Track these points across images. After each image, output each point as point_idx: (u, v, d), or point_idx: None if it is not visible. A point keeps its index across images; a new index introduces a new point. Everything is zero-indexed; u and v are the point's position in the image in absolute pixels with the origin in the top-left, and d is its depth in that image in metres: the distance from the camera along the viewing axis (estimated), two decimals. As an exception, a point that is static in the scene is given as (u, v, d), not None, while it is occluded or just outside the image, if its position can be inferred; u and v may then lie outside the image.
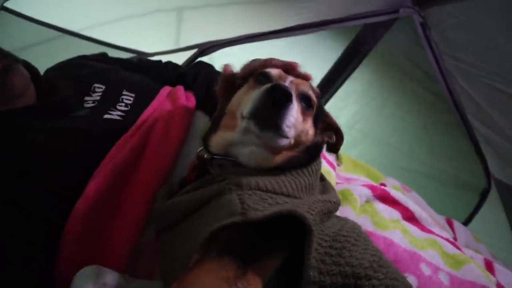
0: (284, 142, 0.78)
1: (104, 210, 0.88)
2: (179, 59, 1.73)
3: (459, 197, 2.37)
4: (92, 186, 0.88)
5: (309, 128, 0.85)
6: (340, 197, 1.04)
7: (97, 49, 1.65)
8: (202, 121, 1.14)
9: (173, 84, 1.30)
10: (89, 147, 0.95)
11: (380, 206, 1.24)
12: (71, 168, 0.90)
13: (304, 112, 0.82)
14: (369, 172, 1.68)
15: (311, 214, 0.64)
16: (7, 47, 1.63)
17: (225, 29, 1.76)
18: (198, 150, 0.88)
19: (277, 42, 1.83)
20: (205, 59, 1.74)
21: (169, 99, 1.15)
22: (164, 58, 1.57)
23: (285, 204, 0.69)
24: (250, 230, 0.63)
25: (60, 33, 1.71)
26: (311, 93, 0.84)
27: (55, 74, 1.20)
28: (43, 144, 0.91)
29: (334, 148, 0.94)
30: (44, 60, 1.37)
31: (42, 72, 1.31)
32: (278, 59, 0.91)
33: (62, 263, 0.83)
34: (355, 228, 0.74)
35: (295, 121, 0.77)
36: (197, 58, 1.73)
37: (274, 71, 0.86)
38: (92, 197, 0.87)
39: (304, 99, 0.83)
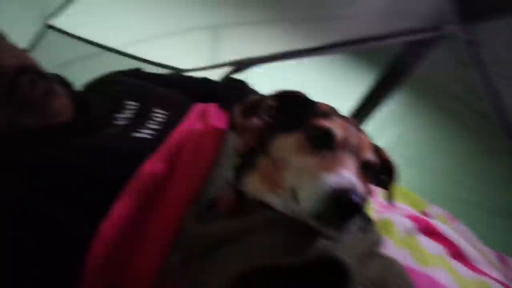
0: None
1: (129, 233, 0.84)
2: (214, 76, 1.72)
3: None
4: (119, 207, 0.85)
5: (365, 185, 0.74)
6: (380, 226, 0.96)
7: (134, 65, 1.67)
8: (233, 142, 1.09)
9: (205, 100, 1.27)
10: (117, 167, 0.92)
11: (423, 240, 1.14)
12: (98, 188, 0.87)
13: (365, 179, 0.72)
14: (411, 199, 1.58)
15: (351, 257, 0.57)
16: (50, 62, 1.68)
17: (260, 47, 1.74)
18: (231, 182, 0.82)
19: (311, 62, 1.78)
20: (240, 76, 1.72)
21: (201, 118, 1.12)
22: (200, 75, 1.56)
23: (324, 244, 0.61)
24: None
25: (100, 49, 1.76)
26: (374, 158, 0.74)
27: (89, 90, 1.21)
28: (72, 162, 0.89)
29: (386, 185, 0.84)
30: (83, 75, 1.40)
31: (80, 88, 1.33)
32: (325, 104, 0.80)
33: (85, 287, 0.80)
34: (401, 274, 0.66)
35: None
36: (232, 75, 1.71)
37: (339, 132, 0.70)
38: (118, 218, 0.83)
39: (367, 164, 0.72)
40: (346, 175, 0.62)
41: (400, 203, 1.50)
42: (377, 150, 0.80)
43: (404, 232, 1.11)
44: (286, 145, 0.73)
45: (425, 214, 1.48)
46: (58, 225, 0.82)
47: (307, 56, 1.65)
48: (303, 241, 0.62)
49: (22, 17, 1.51)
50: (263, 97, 0.82)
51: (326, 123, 0.70)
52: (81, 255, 0.80)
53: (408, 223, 1.15)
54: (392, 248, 1.04)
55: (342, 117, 0.77)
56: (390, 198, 0.83)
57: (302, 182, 0.66)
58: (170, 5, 1.74)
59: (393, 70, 2.01)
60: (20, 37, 1.63)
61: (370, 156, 0.72)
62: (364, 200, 0.61)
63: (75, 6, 1.52)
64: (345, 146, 0.69)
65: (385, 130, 2.26)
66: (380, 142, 2.40)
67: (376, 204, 1.25)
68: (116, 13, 1.65)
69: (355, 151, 0.70)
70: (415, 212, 1.39)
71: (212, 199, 0.89)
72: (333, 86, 2.00)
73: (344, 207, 0.59)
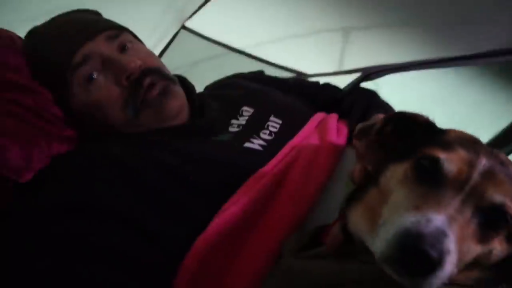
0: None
1: (224, 251, 0.80)
2: (341, 82, 1.61)
3: None
4: (217, 223, 0.81)
5: (494, 248, 0.56)
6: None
7: (258, 67, 1.67)
8: (352, 160, 0.97)
9: (327, 109, 1.18)
10: (221, 178, 0.89)
11: None
12: (199, 198, 0.85)
13: (484, 235, 0.54)
14: None
15: None
16: (181, 61, 1.80)
17: (394, 53, 1.56)
18: (341, 213, 0.71)
19: (454, 73, 1.53)
20: (369, 84, 1.57)
21: (318, 131, 1.03)
22: (324, 80, 1.47)
23: None
24: None
25: (227, 50, 1.80)
26: (509, 204, 0.53)
27: (208, 93, 1.22)
28: (176, 168, 0.88)
29: None
30: (210, 74, 1.44)
31: (203, 87, 1.36)
32: (458, 131, 0.64)
33: None
34: None
35: (452, 271, 0.50)
36: (360, 83, 1.57)
37: (450, 164, 0.55)
38: (215, 234, 0.79)
39: (496, 213, 0.54)
40: (434, 217, 0.49)
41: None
42: None
43: None
44: (394, 174, 0.62)
45: None
46: (151, 232, 0.80)
47: (449, 66, 1.41)
48: None
49: (162, 20, 1.63)
50: (381, 120, 0.70)
51: (438, 152, 0.56)
52: (172, 267, 0.78)
53: None
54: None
55: (485, 150, 0.59)
56: None
57: (388, 219, 0.55)
58: (298, 6, 1.69)
59: None
60: (160, 39, 1.78)
61: (499, 199, 0.53)
62: (447, 255, 0.47)
63: (206, 8, 1.58)
64: (458, 183, 0.54)
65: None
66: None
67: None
68: (243, 14, 1.67)
69: (474, 193, 0.53)
70: None
71: (318, 227, 0.80)
72: (480, 102, 1.70)
73: (410, 256, 0.47)
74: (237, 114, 1.09)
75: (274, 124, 1.06)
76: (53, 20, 1.07)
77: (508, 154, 1.82)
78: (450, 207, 0.52)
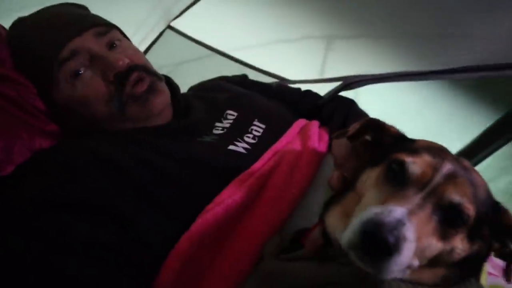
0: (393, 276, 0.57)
1: (206, 250, 0.81)
2: (322, 90, 1.64)
3: None
4: (200, 222, 0.82)
5: (456, 246, 0.61)
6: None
7: (241, 70, 1.69)
8: (332, 167, 1.01)
9: (308, 116, 1.21)
10: (206, 179, 0.90)
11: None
12: (183, 197, 0.87)
13: (445, 232, 0.59)
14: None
15: None
16: (165, 60, 1.79)
17: (376, 63, 1.60)
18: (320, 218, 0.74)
19: (431, 85, 1.59)
20: (349, 94, 1.61)
21: (300, 137, 1.06)
22: (306, 87, 1.50)
23: None
24: None
25: (211, 52, 1.81)
26: (465, 204, 0.58)
27: (193, 94, 1.23)
28: (161, 166, 0.89)
29: (509, 257, 0.66)
30: (194, 75, 1.44)
31: (187, 88, 1.37)
32: (426, 141, 0.69)
33: None
34: None
35: (410, 259, 0.56)
36: (340, 91, 1.60)
37: (415, 166, 0.61)
38: (198, 234, 0.81)
39: (454, 212, 0.59)
40: (394, 209, 0.55)
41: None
42: (502, 212, 0.65)
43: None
44: (368, 178, 0.68)
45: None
46: (135, 229, 0.81)
47: (426, 79, 1.46)
48: None
49: (148, 18, 1.62)
50: (357, 124, 0.76)
51: (405, 156, 0.62)
52: (156, 264, 0.80)
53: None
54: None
55: (451, 157, 0.64)
56: (509, 277, 0.66)
57: (357, 214, 0.60)
58: (284, 12, 1.71)
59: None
60: (144, 37, 1.77)
61: (457, 199, 0.58)
62: (404, 242, 0.52)
63: (193, 9, 1.59)
64: (421, 183, 0.60)
65: (508, 170, 1.95)
66: (500, 183, 2.07)
67: (489, 266, 1.05)
68: (229, 18, 1.68)
69: (435, 192, 0.59)
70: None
71: (298, 231, 0.82)
72: (453, 114, 1.78)
73: (370, 241, 0.53)
74: (221, 117, 1.11)
75: (257, 128, 1.08)
76: (41, 12, 1.06)
77: (477, 163, 1.91)
78: (411, 202, 0.57)
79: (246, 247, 0.82)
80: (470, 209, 0.58)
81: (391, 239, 0.52)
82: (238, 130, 1.06)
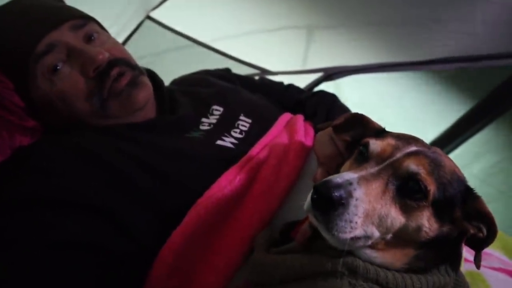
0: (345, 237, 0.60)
1: (198, 244, 0.82)
2: (303, 81, 1.66)
3: None
4: (191, 216, 0.83)
5: (422, 224, 0.63)
6: (467, 279, 0.83)
7: (223, 61, 1.68)
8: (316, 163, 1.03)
9: (292, 110, 1.22)
10: (195, 173, 0.90)
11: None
12: (172, 192, 0.86)
13: (405, 205, 0.62)
14: (505, 244, 1.37)
15: None
16: (145, 51, 1.76)
17: (356, 54, 1.62)
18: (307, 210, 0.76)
19: (409, 75, 1.63)
20: (330, 84, 1.64)
21: (287, 131, 1.07)
22: (288, 79, 1.51)
23: None
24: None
25: (191, 43, 1.79)
26: (422, 176, 0.62)
27: (178, 89, 1.21)
28: (149, 161, 0.88)
29: (478, 244, 0.68)
30: (174, 66, 1.43)
31: (169, 78, 1.35)
32: (399, 132, 0.72)
33: None
34: None
35: (361, 220, 0.60)
36: (321, 82, 1.63)
37: (375, 145, 0.67)
38: (190, 228, 0.82)
39: (412, 182, 0.62)
40: (345, 174, 0.61)
41: (491, 249, 1.32)
42: (474, 197, 0.68)
43: (499, 289, 0.97)
44: (344, 166, 0.73)
45: (522, 264, 1.29)
46: (124, 224, 0.81)
47: (406, 70, 1.50)
48: None
49: (126, 8, 1.58)
50: (342, 120, 0.81)
51: (371, 139, 0.68)
52: (146, 259, 0.80)
53: (505, 279, 0.99)
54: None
55: (421, 143, 0.69)
56: (478, 262, 0.69)
57: None
58: (264, 2, 1.71)
59: (502, 91, 1.78)
60: (123, 27, 1.73)
61: (413, 168, 0.62)
62: (351, 199, 0.58)
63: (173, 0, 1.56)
64: (380, 158, 0.65)
65: (481, 157, 2.03)
66: (473, 169, 2.16)
67: (465, 252, 1.10)
68: (209, 8, 1.66)
69: (394, 165, 0.63)
70: (510, 263, 1.21)
71: (288, 224, 0.84)
72: (429, 103, 1.83)
73: (319, 198, 0.59)
74: (207, 112, 1.10)
75: (244, 123, 1.09)
76: (14, 3, 1.00)
77: (452, 149, 1.98)
78: (365, 171, 0.63)
79: (238, 240, 0.84)
80: (428, 181, 0.61)
81: (335, 193, 0.57)
82: (225, 126, 1.06)
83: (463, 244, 0.71)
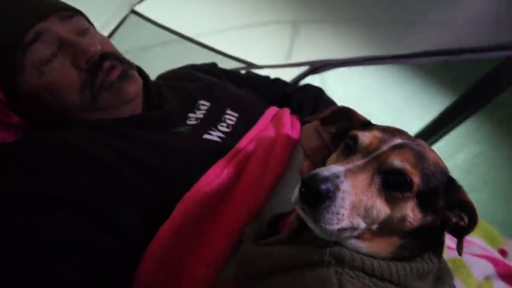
0: (332, 228, 0.61)
1: (187, 237, 0.83)
2: (289, 74, 1.67)
3: None
4: (180, 210, 0.83)
5: (406, 214, 0.65)
6: (450, 265, 0.86)
7: (208, 55, 1.67)
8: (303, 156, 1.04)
9: (278, 104, 1.23)
10: (183, 168, 0.91)
11: (500, 286, 1.01)
12: (161, 186, 0.87)
13: (391, 197, 0.63)
14: (486, 232, 1.41)
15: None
16: (130, 46, 1.74)
17: (341, 48, 1.64)
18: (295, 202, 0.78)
19: (393, 68, 1.66)
20: (316, 77, 1.65)
21: (273, 124, 1.08)
22: (274, 72, 1.52)
23: None
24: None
25: (177, 37, 1.78)
26: (407, 169, 0.63)
27: (164, 84, 1.21)
28: (137, 156, 0.88)
29: (460, 232, 0.70)
30: (160, 61, 1.42)
31: (155, 73, 1.35)
32: (385, 125, 0.74)
33: None
34: None
35: (348, 212, 0.61)
36: (307, 75, 1.64)
37: (363, 137, 0.68)
38: (178, 222, 0.82)
39: (397, 176, 0.63)
40: (332, 167, 0.62)
41: (473, 237, 1.36)
42: (456, 188, 0.69)
43: (481, 276, 1.00)
44: (330, 158, 0.74)
45: (502, 252, 1.32)
46: (112, 220, 0.81)
47: (391, 63, 1.52)
48: None
49: (111, 3, 1.56)
50: (328, 112, 0.82)
51: (358, 132, 0.69)
52: (135, 254, 0.80)
53: (487, 266, 1.02)
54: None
55: (406, 136, 0.71)
56: (460, 249, 0.72)
57: None
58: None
59: (485, 83, 1.82)
60: (107, 22, 1.71)
61: (398, 163, 0.63)
62: (338, 191, 0.59)
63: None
64: (367, 151, 0.66)
65: (464, 147, 2.08)
66: (457, 160, 2.20)
67: (448, 240, 1.13)
68: (194, 2, 1.65)
69: (379, 158, 0.65)
70: (491, 250, 1.25)
71: (275, 216, 0.85)
72: (413, 96, 1.86)
73: (307, 191, 0.60)
74: (194, 107, 1.10)
75: (231, 117, 1.09)
76: None
77: (436, 141, 2.02)
78: (352, 164, 0.64)
79: (226, 232, 0.84)
80: (412, 173, 0.63)
81: (322, 186, 0.58)
82: (211, 120, 1.06)
83: (445, 233, 0.74)
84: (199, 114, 1.08)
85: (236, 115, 1.10)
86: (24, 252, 0.74)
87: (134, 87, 1.02)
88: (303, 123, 1.08)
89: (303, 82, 1.93)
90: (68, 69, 0.94)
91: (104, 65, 0.96)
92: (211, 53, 1.78)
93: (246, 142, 0.98)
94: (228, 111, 1.10)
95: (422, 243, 0.69)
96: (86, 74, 0.95)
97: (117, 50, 1.06)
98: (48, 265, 0.74)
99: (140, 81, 1.05)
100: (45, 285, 0.73)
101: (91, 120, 0.99)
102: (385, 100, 1.93)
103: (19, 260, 0.73)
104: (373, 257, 0.65)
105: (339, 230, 0.61)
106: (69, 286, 0.75)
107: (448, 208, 0.68)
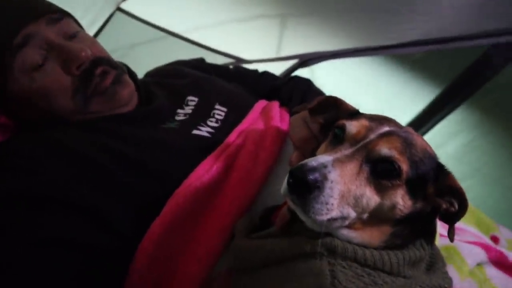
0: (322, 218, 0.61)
1: (178, 233, 0.83)
2: (279, 68, 1.66)
3: None
4: (171, 205, 0.83)
5: (396, 202, 0.64)
6: (443, 253, 0.86)
7: (197, 52, 1.66)
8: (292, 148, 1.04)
9: (267, 97, 1.23)
10: (173, 163, 0.90)
11: (492, 272, 1.02)
12: (151, 183, 0.86)
13: (380, 185, 0.63)
14: (479, 220, 1.42)
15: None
16: (117, 44, 1.73)
17: (329, 40, 1.64)
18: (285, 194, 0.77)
19: (381, 58, 1.66)
20: (305, 70, 1.65)
21: (263, 117, 1.07)
22: (263, 67, 1.51)
23: None
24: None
25: (165, 34, 1.77)
26: (395, 157, 0.63)
27: (152, 81, 1.20)
28: (127, 153, 0.88)
29: (451, 218, 0.70)
30: (148, 59, 1.41)
31: (143, 70, 1.34)
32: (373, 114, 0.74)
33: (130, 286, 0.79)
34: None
35: (337, 201, 0.60)
36: (297, 69, 1.64)
37: (351, 126, 0.68)
38: (169, 217, 0.82)
39: (385, 163, 0.64)
40: (320, 157, 0.62)
41: (465, 225, 1.37)
42: (445, 174, 0.70)
43: (474, 262, 1.00)
44: (319, 149, 0.74)
45: (494, 239, 1.34)
46: (104, 218, 0.80)
47: (381, 54, 1.53)
48: None
49: (97, 2, 1.54)
50: (316, 102, 0.82)
51: (345, 121, 0.69)
52: (127, 252, 0.80)
53: (479, 252, 1.03)
54: (457, 279, 0.94)
55: (394, 123, 0.71)
56: (451, 235, 0.72)
57: None
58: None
59: (473, 71, 1.83)
60: (93, 20, 1.69)
61: (385, 151, 0.63)
62: (326, 181, 0.58)
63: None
64: (355, 140, 0.66)
65: (455, 136, 2.09)
66: (448, 148, 2.22)
67: (440, 227, 1.14)
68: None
69: (367, 147, 0.64)
70: (483, 237, 1.26)
71: (267, 209, 0.85)
72: (402, 86, 1.87)
73: (295, 181, 0.59)
74: (182, 103, 1.10)
75: (219, 112, 1.09)
76: None
77: (427, 130, 2.03)
78: (340, 153, 0.64)
79: (218, 227, 0.84)
80: (400, 160, 0.63)
81: (310, 176, 0.58)
82: (200, 115, 1.06)
83: (438, 220, 0.74)
84: (188, 109, 1.07)
85: (225, 109, 1.09)
86: (17, 251, 0.73)
87: (128, 90, 1.03)
88: (292, 113, 1.08)
89: (293, 75, 1.93)
90: (59, 75, 0.94)
91: (97, 71, 0.96)
92: (199, 49, 1.77)
93: (235, 136, 0.98)
94: (217, 106, 1.09)
95: (414, 230, 0.69)
96: (78, 80, 0.95)
97: (109, 55, 1.05)
98: (41, 263, 0.74)
99: (132, 84, 1.06)
100: (38, 283, 0.73)
101: (82, 120, 0.99)
102: (374, 91, 1.94)
103: (12, 259, 0.73)
104: (365, 247, 0.65)
105: (329, 220, 0.60)
106: (62, 284, 0.75)
107: (438, 194, 0.68)
